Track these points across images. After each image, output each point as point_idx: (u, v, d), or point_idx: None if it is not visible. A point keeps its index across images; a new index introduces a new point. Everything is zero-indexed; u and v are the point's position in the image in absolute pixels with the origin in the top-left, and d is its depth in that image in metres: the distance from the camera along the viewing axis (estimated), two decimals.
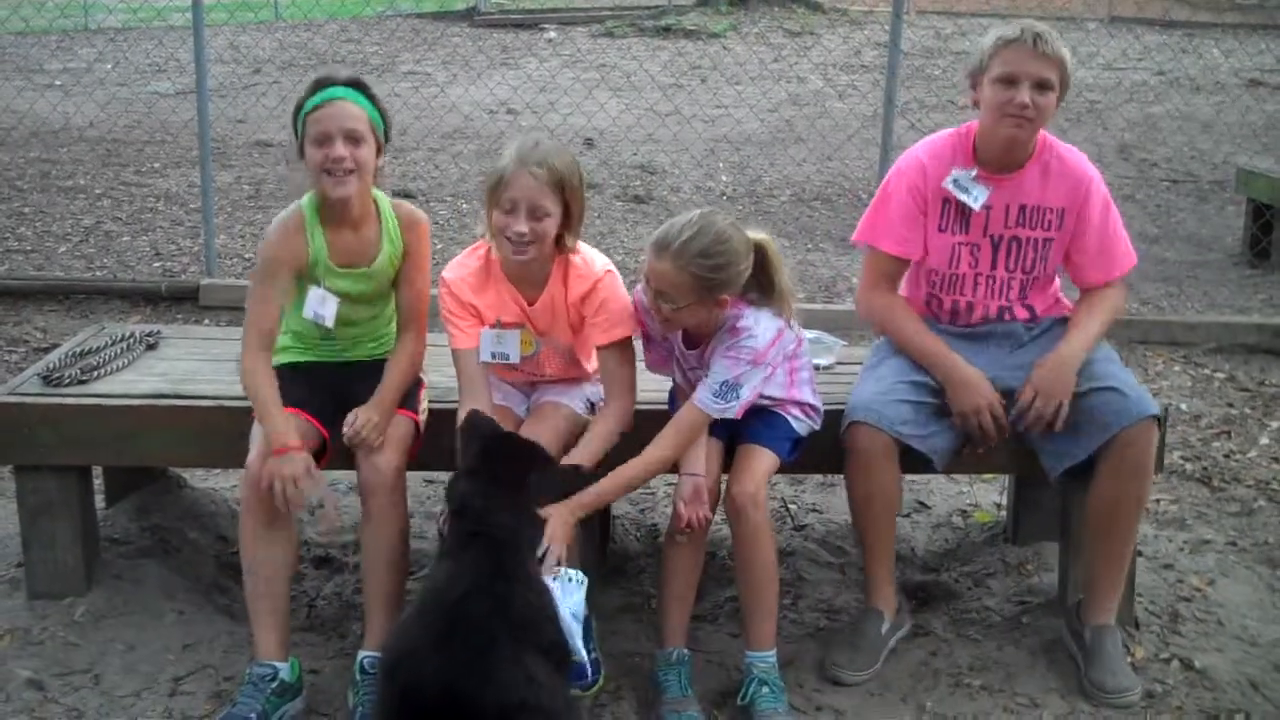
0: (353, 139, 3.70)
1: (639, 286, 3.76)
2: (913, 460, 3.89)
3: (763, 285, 3.66)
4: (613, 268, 3.83)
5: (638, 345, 3.90)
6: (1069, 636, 3.99)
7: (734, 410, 3.63)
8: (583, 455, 3.65)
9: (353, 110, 3.71)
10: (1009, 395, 3.90)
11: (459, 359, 3.80)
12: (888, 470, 3.84)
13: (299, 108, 3.75)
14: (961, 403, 3.89)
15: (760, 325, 3.62)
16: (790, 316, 3.72)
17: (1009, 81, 3.82)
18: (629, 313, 3.79)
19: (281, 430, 3.62)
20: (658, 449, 3.66)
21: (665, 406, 3.96)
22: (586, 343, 3.90)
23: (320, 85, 3.74)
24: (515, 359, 3.84)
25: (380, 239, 3.86)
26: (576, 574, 3.37)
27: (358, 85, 3.76)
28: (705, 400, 3.62)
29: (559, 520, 3.44)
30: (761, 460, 3.75)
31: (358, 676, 3.63)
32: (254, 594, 3.67)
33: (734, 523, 3.73)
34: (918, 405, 3.88)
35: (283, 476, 3.54)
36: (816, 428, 3.90)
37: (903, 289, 4.15)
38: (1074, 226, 3.98)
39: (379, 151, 3.80)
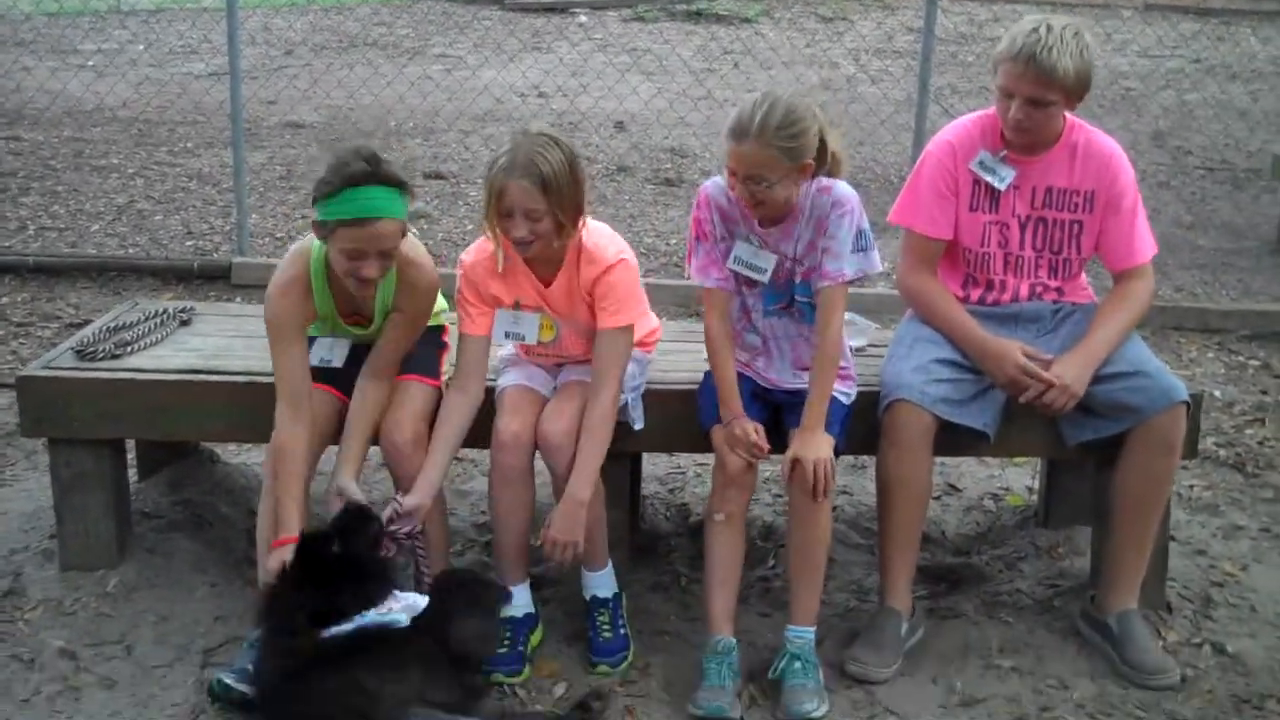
0: (386, 255, 3.63)
1: (707, 184, 3.80)
2: (954, 439, 3.87)
3: (820, 155, 3.65)
4: (628, 255, 3.84)
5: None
6: (1088, 628, 3.98)
7: (875, 260, 3.71)
8: (579, 480, 3.69)
9: (389, 229, 3.59)
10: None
11: (463, 342, 3.86)
12: (924, 453, 3.82)
13: (325, 195, 3.55)
14: (996, 376, 3.89)
15: (841, 186, 3.69)
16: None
17: (1007, 95, 3.85)
18: (637, 301, 3.84)
19: (287, 521, 3.62)
20: (825, 331, 3.67)
21: (695, 386, 3.96)
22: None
23: (352, 182, 3.53)
24: (531, 340, 3.87)
25: (378, 295, 3.85)
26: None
27: (390, 181, 3.59)
28: (842, 266, 3.66)
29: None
30: (825, 438, 3.72)
31: None
32: None
33: (795, 495, 3.71)
34: (956, 383, 3.87)
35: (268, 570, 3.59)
36: (854, 396, 3.89)
37: (940, 269, 4.13)
38: (1104, 207, 3.97)
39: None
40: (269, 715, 3.39)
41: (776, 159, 3.54)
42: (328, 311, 3.80)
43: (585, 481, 3.70)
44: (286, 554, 3.48)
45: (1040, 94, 3.79)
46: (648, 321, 4.09)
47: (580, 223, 3.75)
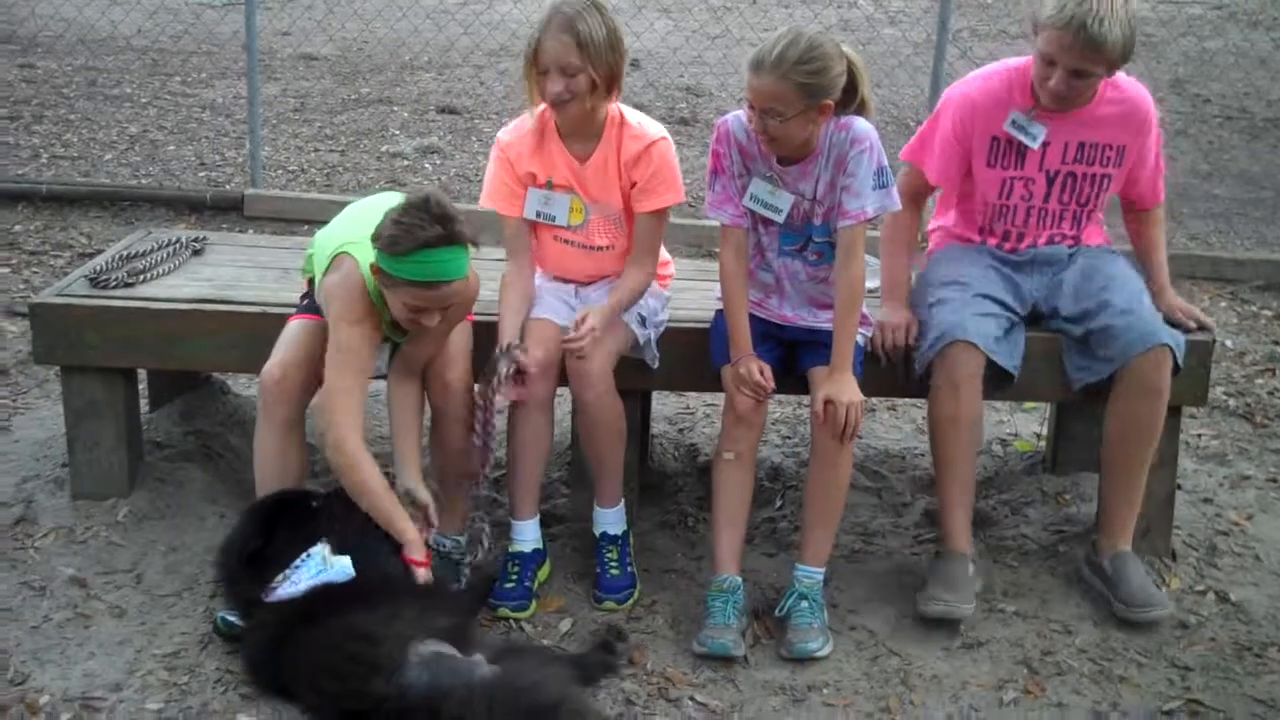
0: (448, 307, 3.60)
1: (727, 118, 3.79)
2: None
3: (847, 101, 3.67)
4: (668, 135, 3.91)
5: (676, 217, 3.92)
6: (1090, 572, 3.99)
7: (895, 197, 3.73)
8: (613, 301, 3.79)
9: (458, 288, 3.52)
10: (1051, 314, 4.00)
11: (505, 224, 3.94)
12: (978, 392, 3.81)
13: (395, 253, 3.41)
14: (888, 315, 3.97)
15: (860, 123, 3.68)
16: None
17: (1049, 62, 3.77)
18: (677, 181, 3.87)
19: (412, 536, 3.58)
20: (847, 270, 3.68)
21: (707, 326, 3.96)
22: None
23: (426, 246, 3.39)
24: (561, 220, 3.91)
25: None
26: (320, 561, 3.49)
27: (461, 242, 3.45)
28: (864, 204, 3.65)
29: None
30: (854, 379, 3.72)
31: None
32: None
33: (820, 436, 3.72)
34: (996, 319, 3.88)
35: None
36: (869, 334, 3.92)
37: (957, 215, 4.15)
38: (1134, 159, 3.99)
39: None
40: (260, 685, 3.40)
41: (792, 93, 3.51)
42: (385, 323, 3.73)
43: (618, 303, 3.81)
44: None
45: (1087, 66, 3.73)
46: (663, 253, 4.12)
47: (615, 91, 3.82)
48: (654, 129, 3.89)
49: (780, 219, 3.76)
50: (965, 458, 3.86)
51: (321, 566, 3.45)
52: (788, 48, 3.50)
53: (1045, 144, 3.93)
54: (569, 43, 3.66)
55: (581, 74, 3.70)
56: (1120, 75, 3.94)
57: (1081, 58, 3.71)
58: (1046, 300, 4.02)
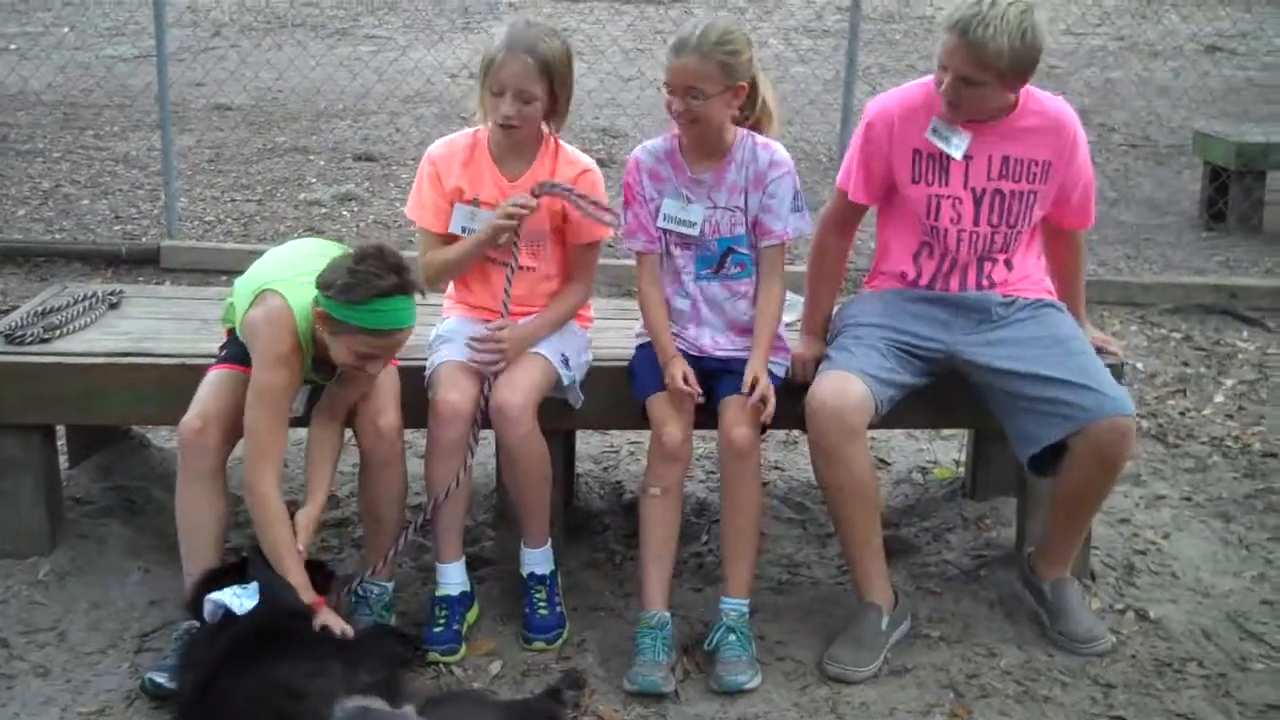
0: (392, 355, 3.67)
1: (636, 150, 3.95)
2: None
3: (753, 98, 3.87)
4: (596, 167, 3.98)
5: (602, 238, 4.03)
6: (1023, 589, 4.05)
7: (808, 220, 3.93)
8: (547, 318, 3.90)
9: (407, 336, 3.59)
10: (973, 368, 3.86)
11: (423, 236, 3.98)
12: (863, 451, 3.78)
13: (348, 301, 3.45)
14: (803, 347, 4.03)
15: (780, 148, 3.89)
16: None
17: (942, 67, 3.74)
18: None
19: (303, 584, 3.56)
20: (769, 288, 3.87)
21: (627, 363, 4.00)
22: (560, 241, 3.98)
23: (382, 295, 3.45)
24: None
25: None
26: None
27: (414, 291, 3.53)
28: (786, 225, 3.86)
29: None
30: (752, 407, 3.76)
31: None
32: (189, 552, 3.67)
33: (727, 464, 3.77)
34: (884, 356, 3.87)
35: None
36: (786, 368, 3.95)
37: (890, 244, 4.09)
38: (1061, 177, 3.90)
39: None
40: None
41: (714, 73, 3.67)
42: (307, 367, 3.72)
43: (535, 331, 3.87)
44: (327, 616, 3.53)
45: (971, 72, 3.64)
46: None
47: (560, 126, 3.89)
48: (585, 158, 3.96)
49: (694, 232, 3.85)
50: (863, 517, 3.81)
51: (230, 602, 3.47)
52: (708, 30, 3.68)
53: (969, 158, 3.84)
54: (531, 67, 3.69)
55: (537, 102, 3.73)
56: (1043, 93, 3.91)
57: (965, 63, 3.64)
58: (968, 353, 3.87)
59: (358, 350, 3.52)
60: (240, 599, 3.46)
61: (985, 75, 3.65)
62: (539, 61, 3.69)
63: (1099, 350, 3.95)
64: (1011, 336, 3.87)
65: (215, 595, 3.48)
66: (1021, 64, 3.65)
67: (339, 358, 3.57)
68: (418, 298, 3.54)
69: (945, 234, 3.92)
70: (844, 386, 3.72)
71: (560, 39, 3.80)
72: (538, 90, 3.72)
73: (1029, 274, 4.03)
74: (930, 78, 3.87)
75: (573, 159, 3.93)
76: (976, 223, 3.90)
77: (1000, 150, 3.86)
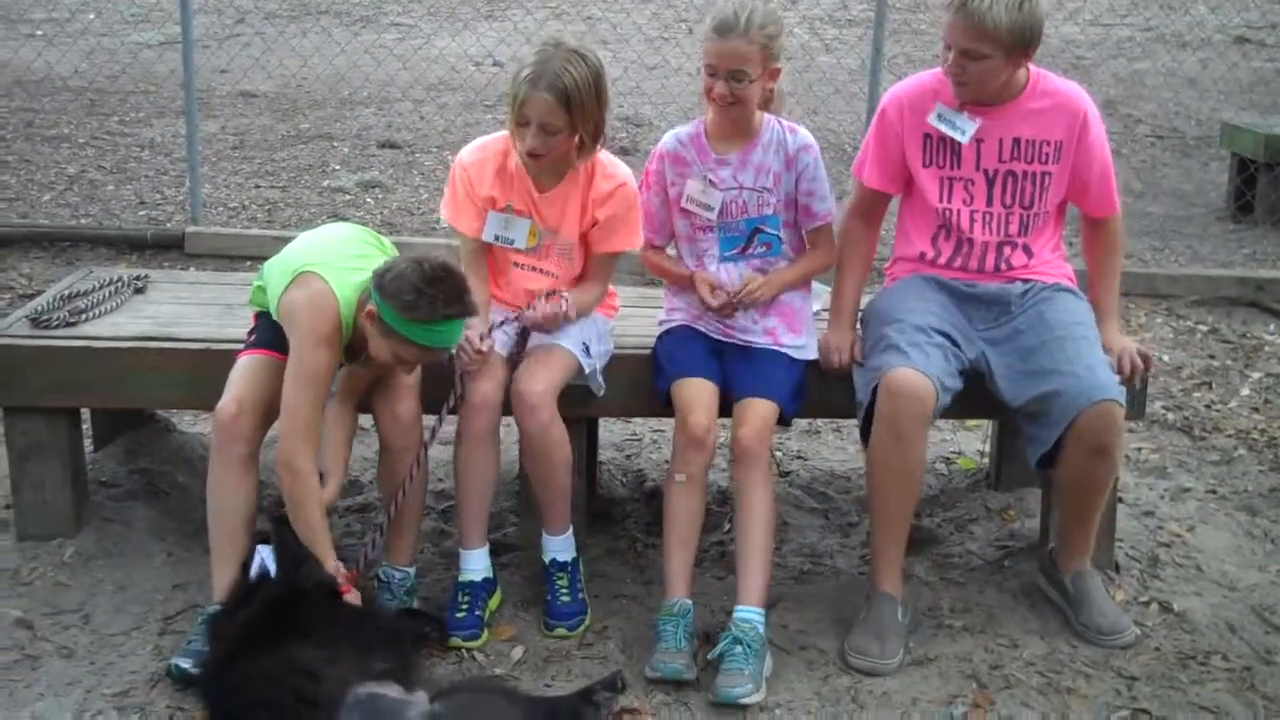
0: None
1: (664, 138, 4.04)
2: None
3: (767, 98, 3.95)
4: (633, 182, 3.98)
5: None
6: (1047, 584, 4.04)
7: (833, 205, 4.03)
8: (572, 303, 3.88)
9: (450, 351, 3.67)
10: (985, 361, 3.89)
11: (462, 242, 3.99)
12: (923, 439, 3.76)
13: (407, 315, 3.48)
14: (832, 335, 4.02)
15: (804, 131, 3.99)
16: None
17: (947, 47, 3.81)
18: (638, 228, 3.98)
19: (334, 565, 3.61)
20: (813, 255, 4.03)
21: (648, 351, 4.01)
22: (589, 249, 3.99)
23: (445, 318, 3.51)
24: (520, 244, 3.93)
25: None
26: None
27: (473, 314, 3.62)
28: (829, 205, 3.99)
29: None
30: (762, 410, 3.79)
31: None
32: (218, 537, 3.68)
33: (737, 468, 3.77)
34: (943, 350, 3.84)
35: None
36: (813, 344, 3.99)
37: (908, 226, 4.12)
38: (1075, 158, 3.95)
39: None
40: (210, 707, 3.39)
41: (757, 56, 3.75)
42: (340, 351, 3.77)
43: (575, 305, 3.90)
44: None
45: (971, 45, 3.73)
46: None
47: (600, 141, 3.86)
48: (624, 171, 3.95)
49: (712, 216, 3.92)
50: (903, 506, 3.83)
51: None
52: (752, 13, 3.74)
53: (979, 141, 3.90)
54: (553, 103, 3.67)
55: (561, 133, 3.72)
56: (1055, 76, 3.97)
57: (965, 36, 3.73)
58: (1000, 350, 3.90)
59: (400, 354, 3.57)
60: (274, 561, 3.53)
61: (985, 47, 3.73)
62: (559, 96, 3.66)
63: (1122, 380, 3.83)
64: (1019, 328, 3.91)
65: (264, 548, 3.56)
66: (1022, 34, 3.72)
67: (378, 353, 3.60)
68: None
69: (959, 215, 3.98)
70: (920, 379, 3.71)
71: (587, 62, 3.74)
72: (560, 122, 3.70)
73: (1048, 261, 4.06)
74: (940, 67, 3.95)
75: (610, 173, 3.92)
76: (990, 203, 3.97)
77: (1011, 132, 3.92)
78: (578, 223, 3.92)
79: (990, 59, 3.75)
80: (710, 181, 3.91)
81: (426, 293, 3.47)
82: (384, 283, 3.51)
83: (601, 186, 3.89)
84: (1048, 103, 3.92)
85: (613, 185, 3.90)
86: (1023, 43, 3.75)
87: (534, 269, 3.98)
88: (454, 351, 3.69)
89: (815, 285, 4.21)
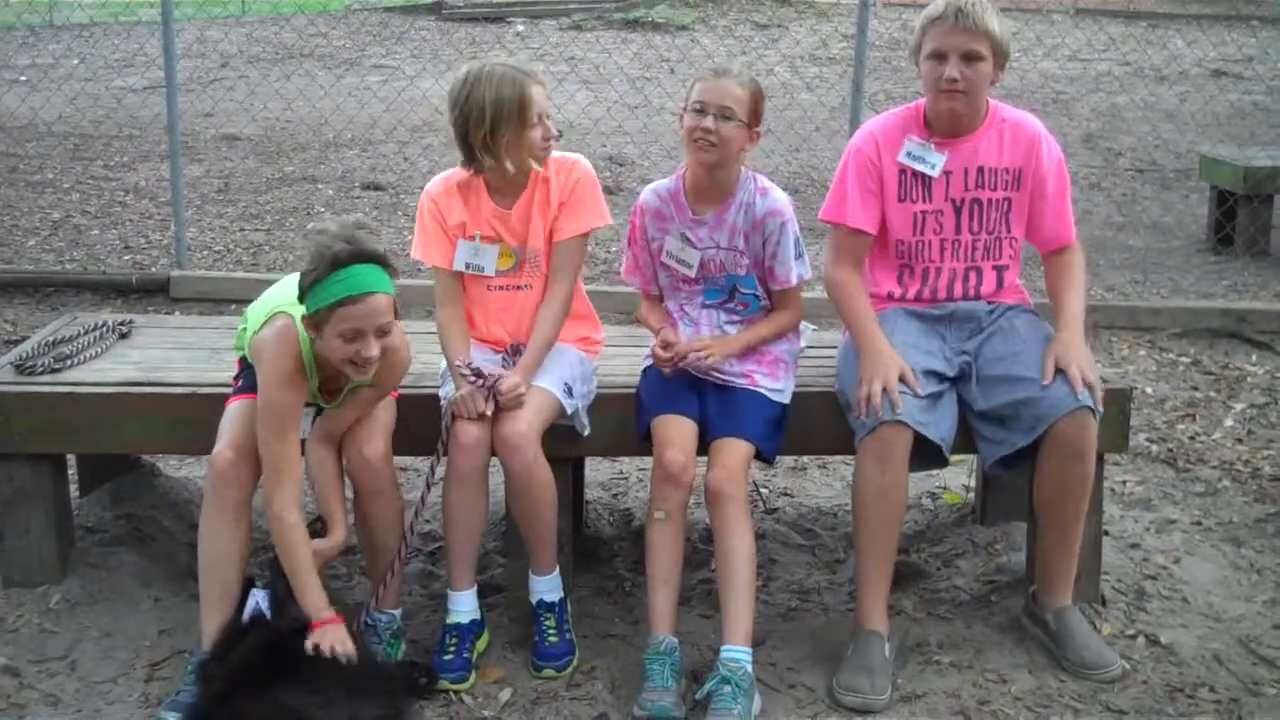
0: (383, 331, 3.58)
1: (643, 192, 4.12)
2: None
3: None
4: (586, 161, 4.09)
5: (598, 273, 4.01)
6: (1030, 624, 4.04)
7: (807, 264, 4.04)
8: (536, 341, 3.90)
9: (383, 303, 3.53)
10: (963, 379, 3.94)
11: (437, 275, 4.03)
12: (905, 468, 3.80)
13: (313, 283, 3.49)
14: (868, 369, 3.85)
15: (777, 192, 4.01)
16: None
17: (939, 57, 3.92)
18: (600, 204, 4.05)
19: (318, 604, 3.59)
20: (779, 315, 4.06)
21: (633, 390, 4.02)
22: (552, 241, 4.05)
23: (337, 264, 3.47)
24: (490, 270, 4.00)
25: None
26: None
27: (374, 258, 3.53)
28: (789, 273, 3.99)
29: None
30: (735, 450, 3.81)
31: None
32: (209, 582, 3.67)
33: (711, 509, 3.79)
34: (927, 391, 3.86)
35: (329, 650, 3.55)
36: (791, 387, 3.99)
37: (872, 269, 4.17)
38: (1031, 184, 4.05)
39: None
40: None
41: (746, 100, 3.86)
42: (313, 390, 3.76)
43: (538, 350, 3.90)
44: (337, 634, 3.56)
45: (973, 46, 3.87)
46: (595, 322, 4.23)
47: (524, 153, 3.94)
48: (574, 157, 4.06)
49: (692, 273, 4.00)
50: (887, 533, 3.85)
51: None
52: (745, 68, 3.96)
53: (947, 173, 4.02)
54: (489, 120, 3.85)
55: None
56: (1009, 107, 4.11)
57: (965, 36, 3.87)
58: (976, 360, 3.97)
59: (342, 333, 3.49)
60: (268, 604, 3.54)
61: (984, 48, 3.90)
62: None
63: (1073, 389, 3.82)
64: (991, 334, 4.02)
65: (258, 591, 3.57)
66: (1004, 43, 3.94)
67: (333, 355, 3.56)
68: (391, 275, 3.58)
69: (929, 245, 4.09)
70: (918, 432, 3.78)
71: (518, 79, 3.90)
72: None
73: (1011, 286, 4.17)
74: (904, 106, 4.14)
75: (564, 163, 4.01)
76: (958, 230, 4.08)
77: (975, 163, 4.05)
78: (543, 228, 3.98)
79: (985, 61, 3.91)
80: (688, 240, 3.98)
81: (313, 253, 3.52)
82: (300, 284, 3.54)
83: (559, 184, 3.98)
84: (1006, 131, 4.06)
85: (571, 176, 3.99)
86: (1004, 52, 3.95)
87: (513, 288, 4.02)
88: (443, 402, 3.69)
89: (802, 325, 4.22)
